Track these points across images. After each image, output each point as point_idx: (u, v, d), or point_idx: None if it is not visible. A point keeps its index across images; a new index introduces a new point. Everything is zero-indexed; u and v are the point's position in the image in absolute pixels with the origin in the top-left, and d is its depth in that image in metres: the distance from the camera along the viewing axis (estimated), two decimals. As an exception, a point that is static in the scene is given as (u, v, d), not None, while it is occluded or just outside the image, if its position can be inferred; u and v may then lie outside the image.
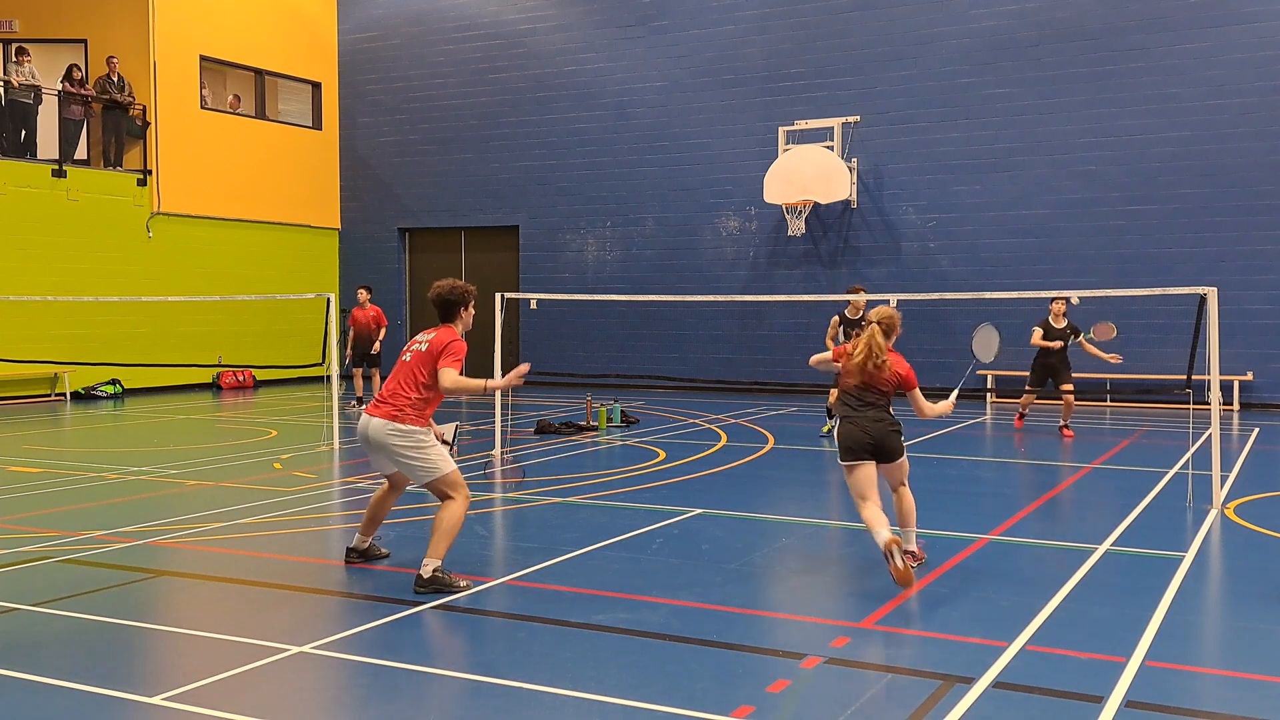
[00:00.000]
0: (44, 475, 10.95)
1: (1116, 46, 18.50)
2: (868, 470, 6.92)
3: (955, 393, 7.59)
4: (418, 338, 6.90)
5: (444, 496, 6.65)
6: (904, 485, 7.17)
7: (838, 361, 7.32)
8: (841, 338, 13.29)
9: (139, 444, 13.89)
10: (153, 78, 21.29)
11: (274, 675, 5.16)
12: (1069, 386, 14.07)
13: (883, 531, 6.59)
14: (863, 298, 13.47)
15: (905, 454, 7.10)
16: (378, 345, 17.70)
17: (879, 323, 7.11)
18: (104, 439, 14.51)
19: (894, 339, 7.15)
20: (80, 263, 20.00)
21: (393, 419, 6.58)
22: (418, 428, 6.59)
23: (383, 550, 7.34)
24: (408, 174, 24.64)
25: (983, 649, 5.42)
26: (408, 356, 6.79)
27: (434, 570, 6.47)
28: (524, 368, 6.86)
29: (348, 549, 7.27)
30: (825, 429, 14.19)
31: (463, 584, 6.54)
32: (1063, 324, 13.97)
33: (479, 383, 6.81)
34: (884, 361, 7.00)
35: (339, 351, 14.70)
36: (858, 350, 7.07)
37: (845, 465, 7.00)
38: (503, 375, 6.76)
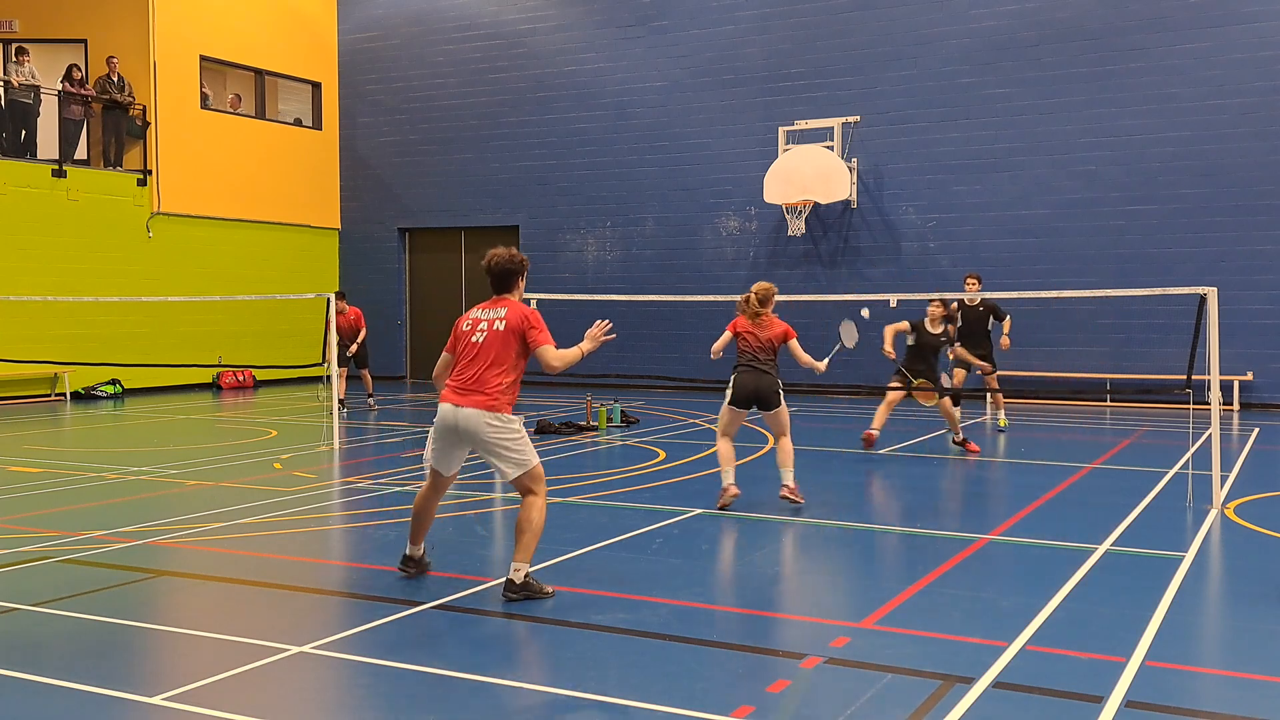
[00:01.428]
0: (44, 475, 10.95)
1: (1116, 46, 18.49)
2: (742, 414, 9.40)
3: (826, 360, 9.76)
4: (478, 316, 6.50)
5: (527, 491, 6.38)
6: (785, 436, 9.35)
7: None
8: (960, 321, 13.99)
9: (139, 444, 13.89)
10: (153, 78, 21.28)
11: (274, 675, 5.16)
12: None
13: (729, 472, 9.14)
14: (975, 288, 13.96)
15: (784, 406, 9.32)
16: (354, 347, 17.44)
17: (755, 293, 9.53)
18: (104, 439, 14.50)
19: (770, 306, 9.49)
20: (80, 263, 19.99)
21: (490, 408, 6.27)
22: (513, 416, 6.36)
23: (429, 560, 6.95)
24: (408, 174, 24.64)
25: (983, 649, 5.42)
26: (479, 337, 6.39)
27: (526, 575, 6.25)
28: (605, 324, 6.60)
29: (404, 557, 6.85)
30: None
31: (549, 590, 6.36)
32: (939, 330, 12.44)
33: (577, 351, 6.51)
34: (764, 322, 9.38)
35: (339, 352, 14.68)
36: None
37: (735, 409, 9.31)
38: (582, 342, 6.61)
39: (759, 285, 9.62)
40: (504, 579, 6.39)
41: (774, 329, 9.45)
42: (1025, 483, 10.83)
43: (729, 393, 9.39)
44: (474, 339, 6.45)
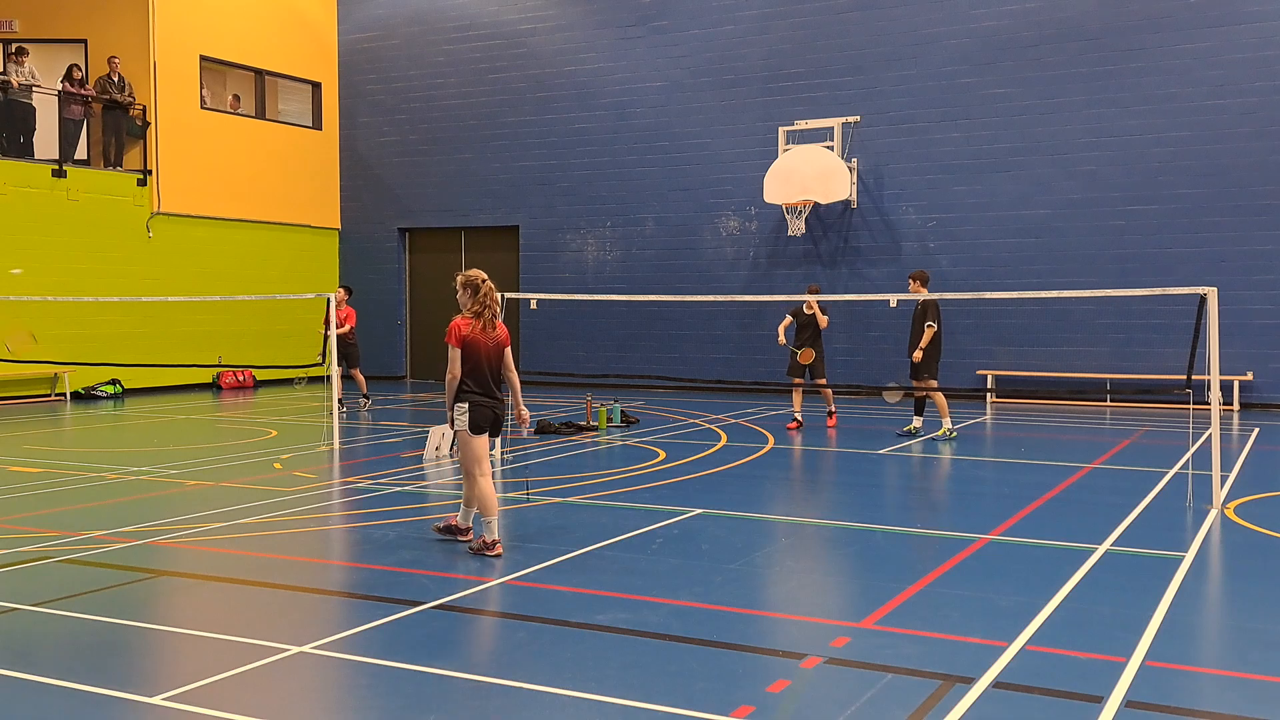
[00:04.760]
0: (44, 475, 10.94)
1: (1116, 46, 18.49)
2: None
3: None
4: None
5: None
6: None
7: None
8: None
9: (139, 444, 13.88)
10: (153, 78, 21.28)
11: (274, 675, 5.16)
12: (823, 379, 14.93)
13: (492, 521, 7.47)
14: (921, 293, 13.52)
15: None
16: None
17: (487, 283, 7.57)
18: (104, 439, 14.50)
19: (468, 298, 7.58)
20: (80, 263, 19.99)
21: None
22: None
23: None
24: (408, 174, 24.64)
25: (983, 649, 5.42)
26: None
27: None
28: None
29: None
30: (909, 428, 13.87)
31: None
32: (813, 311, 14.72)
33: None
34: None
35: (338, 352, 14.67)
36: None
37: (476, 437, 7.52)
38: None
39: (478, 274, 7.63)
40: (503, 580, 6.39)
41: (502, 331, 7.69)
42: (1025, 483, 10.83)
43: (467, 416, 7.44)
44: None
